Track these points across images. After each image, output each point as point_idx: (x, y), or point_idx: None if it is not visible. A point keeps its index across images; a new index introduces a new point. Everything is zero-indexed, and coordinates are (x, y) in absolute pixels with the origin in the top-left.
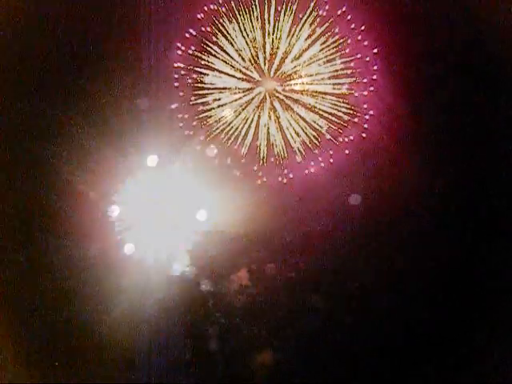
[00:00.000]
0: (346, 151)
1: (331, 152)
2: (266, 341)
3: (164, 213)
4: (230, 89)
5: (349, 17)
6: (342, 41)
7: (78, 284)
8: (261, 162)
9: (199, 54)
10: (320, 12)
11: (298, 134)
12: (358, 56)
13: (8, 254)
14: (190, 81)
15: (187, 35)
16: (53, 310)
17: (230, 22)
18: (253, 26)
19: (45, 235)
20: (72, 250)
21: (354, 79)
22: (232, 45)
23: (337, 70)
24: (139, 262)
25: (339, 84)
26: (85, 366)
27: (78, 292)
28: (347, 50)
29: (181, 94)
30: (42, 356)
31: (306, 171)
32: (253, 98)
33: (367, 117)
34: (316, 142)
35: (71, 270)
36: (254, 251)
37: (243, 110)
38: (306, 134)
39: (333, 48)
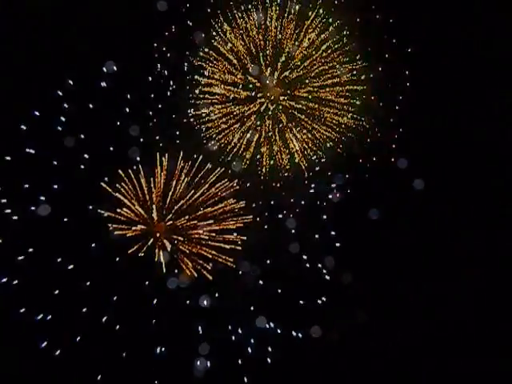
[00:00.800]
0: (366, 175)
1: (347, 176)
2: None
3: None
4: (232, 98)
5: (373, 6)
6: (350, 44)
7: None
8: (263, 176)
9: (201, 63)
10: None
11: (305, 150)
12: (385, 56)
13: None
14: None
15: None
16: None
17: (231, 27)
18: (253, 31)
19: None
20: None
21: (377, 85)
22: (233, 52)
23: (354, 75)
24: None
25: (357, 91)
26: None
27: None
28: (369, 49)
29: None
30: None
31: (318, 202)
32: (255, 107)
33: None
34: (328, 161)
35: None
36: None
37: (246, 119)
38: (314, 150)
39: (349, 47)
